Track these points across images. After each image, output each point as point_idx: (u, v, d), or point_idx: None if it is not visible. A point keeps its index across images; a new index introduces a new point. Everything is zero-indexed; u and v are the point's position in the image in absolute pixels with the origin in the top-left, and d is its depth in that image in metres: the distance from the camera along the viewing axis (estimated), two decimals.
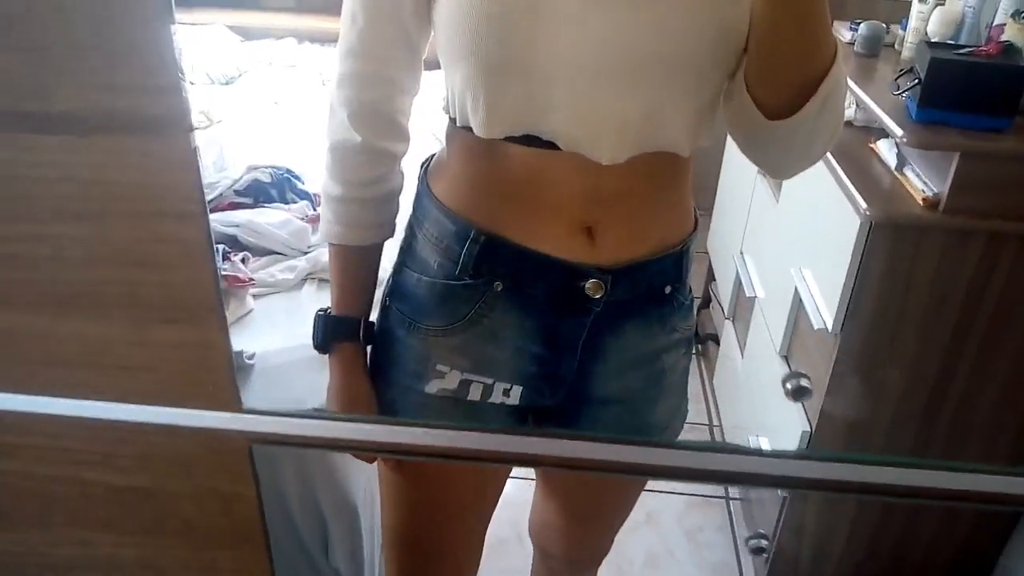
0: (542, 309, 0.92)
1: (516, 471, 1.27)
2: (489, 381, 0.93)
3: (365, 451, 0.54)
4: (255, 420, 0.55)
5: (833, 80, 0.79)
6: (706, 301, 2.64)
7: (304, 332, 1.60)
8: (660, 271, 0.94)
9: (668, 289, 0.96)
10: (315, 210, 1.99)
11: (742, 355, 2.14)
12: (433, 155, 0.98)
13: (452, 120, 0.89)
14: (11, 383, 0.55)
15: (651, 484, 2.17)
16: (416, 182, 0.98)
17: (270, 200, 1.94)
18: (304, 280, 1.73)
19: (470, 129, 0.85)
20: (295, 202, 1.97)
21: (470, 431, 0.52)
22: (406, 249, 0.98)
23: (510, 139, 0.84)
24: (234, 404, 0.54)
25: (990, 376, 1.51)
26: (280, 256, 1.76)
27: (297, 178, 2.04)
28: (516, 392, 0.94)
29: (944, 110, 1.39)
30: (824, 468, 0.60)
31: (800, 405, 1.64)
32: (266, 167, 1.97)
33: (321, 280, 1.73)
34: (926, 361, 1.52)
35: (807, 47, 0.77)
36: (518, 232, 0.88)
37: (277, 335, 1.57)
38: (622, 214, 0.88)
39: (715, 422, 2.44)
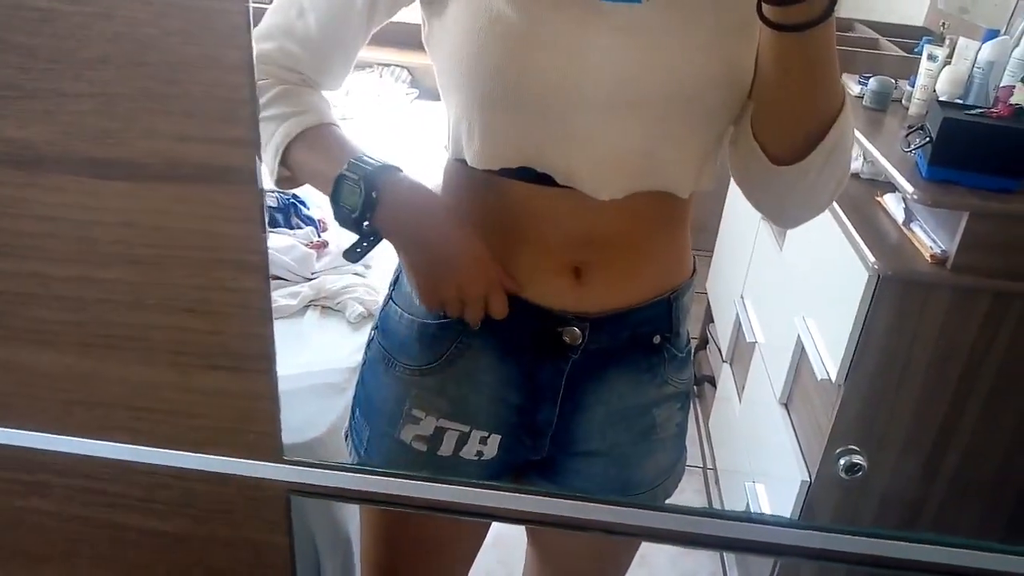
0: (518, 354, 0.89)
1: None
2: (465, 429, 0.90)
3: (404, 508, 0.52)
4: (297, 471, 0.54)
5: (840, 129, 0.77)
6: (703, 342, 2.64)
7: (307, 360, 1.62)
8: (648, 319, 0.90)
9: (657, 339, 0.92)
10: (320, 236, 1.99)
11: (740, 400, 2.14)
12: None
13: (449, 153, 0.87)
14: (52, 423, 0.55)
15: None
16: None
17: (275, 225, 1.94)
18: (307, 307, 1.72)
19: (465, 161, 0.83)
20: (300, 228, 1.97)
21: (500, 490, 0.52)
22: (394, 283, 0.95)
23: (505, 171, 0.81)
24: (276, 453, 0.53)
25: (992, 436, 1.52)
26: (283, 282, 1.76)
27: (303, 204, 2.04)
28: (494, 442, 0.90)
29: (954, 169, 1.42)
30: (817, 538, 0.59)
31: (800, 453, 1.64)
32: (272, 192, 1.97)
33: (324, 307, 1.72)
34: (928, 416, 1.52)
35: (815, 94, 0.76)
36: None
37: (279, 362, 1.57)
38: (613, 256, 0.85)
39: (710, 465, 2.44)
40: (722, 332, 2.39)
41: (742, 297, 2.20)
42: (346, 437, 1.02)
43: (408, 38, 1.00)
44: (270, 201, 2.00)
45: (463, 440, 0.89)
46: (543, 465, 0.96)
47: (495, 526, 1.25)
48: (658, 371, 0.94)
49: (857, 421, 1.53)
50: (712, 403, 2.45)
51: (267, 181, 0.78)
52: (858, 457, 0.94)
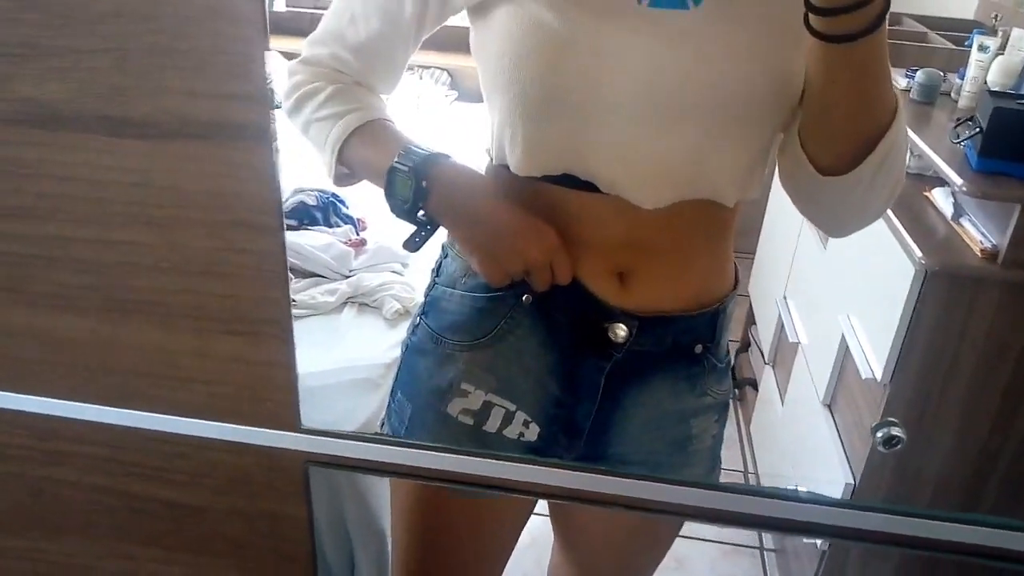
0: (565, 340, 0.88)
1: (544, 508, 1.23)
2: (512, 408, 0.89)
3: (423, 479, 0.51)
4: (314, 441, 0.53)
5: (891, 140, 0.74)
6: (745, 345, 2.60)
7: (343, 356, 1.62)
8: (691, 328, 0.89)
9: (699, 348, 0.90)
10: (358, 234, 1.99)
11: (782, 402, 2.10)
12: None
13: (490, 158, 0.87)
14: (71, 390, 0.55)
15: (683, 530, 2.12)
16: None
17: (315, 223, 1.95)
18: (344, 304, 1.72)
19: (507, 167, 0.82)
20: (339, 226, 1.98)
21: (537, 465, 0.50)
22: (437, 269, 0.95)
23: (547, 178, 0.81)
24: (293, 423, 0.52)
25: None
26: (322, 279, 1.77)
27: (342, 202, 2.05)
28: (534, 430, 0.90)
29: (1006, 160, 1.37)
30: (870, 519, 0.56)
31: (844, 456, 1.59)
32: (312, 190, 1.99)
33: (361, 304, 1.73)
34: (978, 415, 1.47)
35: (864, 105, 0.73)
36: None
37: (316, 357, 1.57)
38: (657, 263, 0.84)
39: (751, 469, 2.39)
40: (764, 334, 2.34)
41: (785, 298, 2.16)
42: (382, 425, 1.01)
43: (448, 40, 1.01)
44: (309, 200, 2.02)
45: (508, 419, 0.89)
46: (581, 460, 0.94)
47: (532, 526, 1.23)
48: (698, 381, 0.93)
49: (903, 421, 1.48)
50: (754, 406, 2.40)
51: (327, 179, 0.79)
52: (896, 430, 0.90)
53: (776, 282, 2.27)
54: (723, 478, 2.56)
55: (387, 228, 2.05)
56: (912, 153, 1.70)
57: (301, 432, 0.52)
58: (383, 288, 1.73)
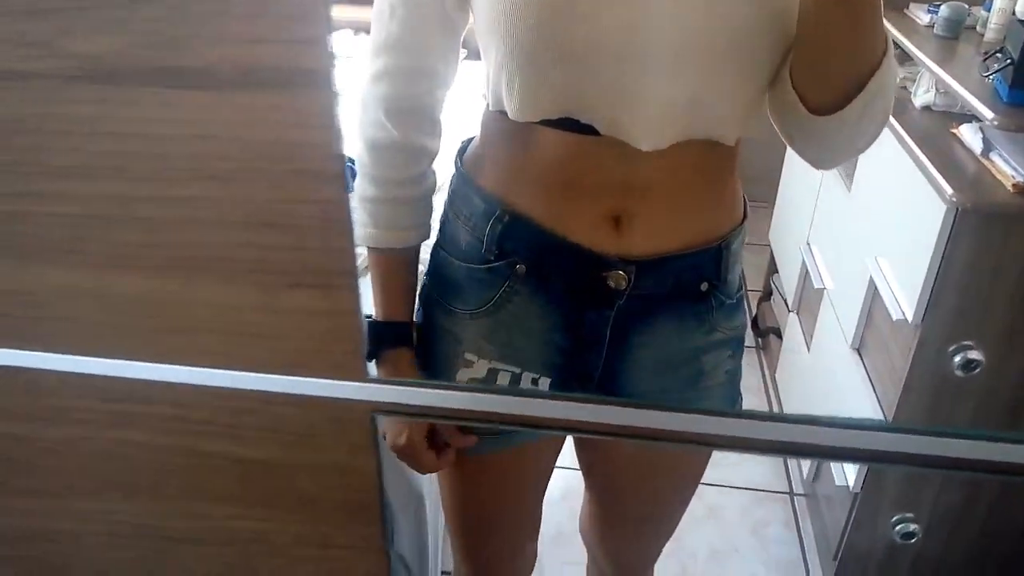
0: (564, 299, 0.89)
1: (576, 462, 1.26)
2: (516, 371, 0.91)
3: (485, 423, 0.52)
4: (380, 390, 0.53)
5: (880, 80, 0.75)
6: (767, 294, 2.59)
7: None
8: (694, 266, 0.89)
9: (704, 286, 0.91)
10: None
11: (808, 349, 2.10)
12: (470, 139, 0.96)
13: (487, 104, 0.87)
14: (137, 351, 0.55)
15: (713, 479, 2.14)
16: (452, 164, 0.95)
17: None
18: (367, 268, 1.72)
19: (505, 112, 0.82)
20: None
21: (599, 403, 0.50)
22: (441, 228, 0.96)
23: (546, 122, 0.81)
24: (360, 372, 0.52)
25: None
26: None
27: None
28: (544, 384, 0.91)
29: None
30: (910, 441, 0.54)
31: (875, 400, 1.59)
32: None
33: None
34: (1012, 355, 1.46)
35: (856, 42, 0.74)
36: (543, 215, 0.86)
37: None
38: (655, 205, 0.84)
39: (774, 401, 2.40)
40: (787, 281, 2.33)
41: (808, 243, 2.14)
42: None
43: None
44: None
45: (515, 380, 0.90)
46: (595, 390, 0.96)
47: (564, 481, 1.24)
48: (706, 318, 0.93)
49: (936, 362, 1.47)
50: (779, 355, 2.40)
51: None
52: (974, 352, 0.89)
53: (798, 229, 2.25)
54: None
55: None
56: (937, 90, 1.68)
57: (368, 382, 0.52)
58: None
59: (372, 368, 1.04)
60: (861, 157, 1.80)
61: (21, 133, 0.47)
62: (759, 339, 2.62)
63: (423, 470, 0.94)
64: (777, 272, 2.46)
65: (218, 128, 0.47)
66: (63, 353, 0.56)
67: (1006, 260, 1.39)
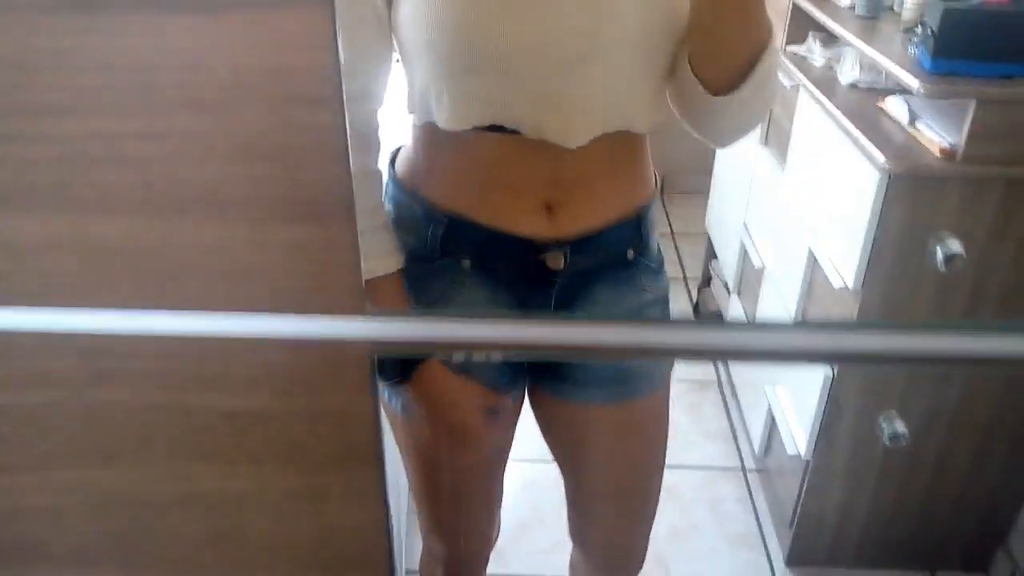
0: (508, 284, 0.97)
1: (536, 455, 1.28)
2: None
3: (492, 348, 0.53)
4: (380, 326, 0.53)
5: (769, 58, 0.85)
6: (707, 280, 2.66)
7: None
8: (619, 238, 0.98)
9: (631, 254, 1.00)
10: None
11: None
12: (399, 147, 1.01)
13: (414, 118, 0.93)
14: (116, 301, 0.53)
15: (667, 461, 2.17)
16: (385, 174, 0.99)
17: None
18: None
19: (433, 124, 0.88)
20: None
21: (601, 325, 0.50)
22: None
23: (476, 128, 0.87)
24: (359, 307, 0.52)
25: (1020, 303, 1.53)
26: None
27: None
28: (498, 353, 0.96)
29: (959, 60, 1.42)
30: (872, 339, 0.55)
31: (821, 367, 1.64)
32: None
33: None
34: (947, 311, 1.54)
35: (748, 29, 0.84)
36: (481, 213, 0.92)
37: None
38: (581, 192, 0.93)
39: (724, 380, 2.46)
40: (727, 266, 2.39)
41: (745, 225, 2.20)
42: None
43: None
44: None
45: (470, 354, 0.96)
46: (548, 365, 1.06)
47: (519, 471, 1.25)
48: (636, 281, 1.03)
49: (880, 314, 1.54)
50: None
51: None
52: (955, 244, 0.99)
53: (734, 213, 2.31)
54: (698, 392, 2.63)
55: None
56: (862, 67, 1.75)
57: (367, 317, 0.52)
58: None
59: None
60: (794, 135, 1.87)
61: None
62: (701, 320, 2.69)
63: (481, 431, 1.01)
64: (716, 258, 2.53)
65: (208, 54, 0.46)
66: (41, 308, 0.54)
67: (938, 221, 1.46)
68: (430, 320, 0.51)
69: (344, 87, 0.46)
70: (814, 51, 1.90)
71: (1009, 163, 1.42)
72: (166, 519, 0.63)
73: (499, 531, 1.29)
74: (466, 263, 0.95)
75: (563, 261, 0.94)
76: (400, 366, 0.92)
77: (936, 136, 1.48)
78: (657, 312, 1.06)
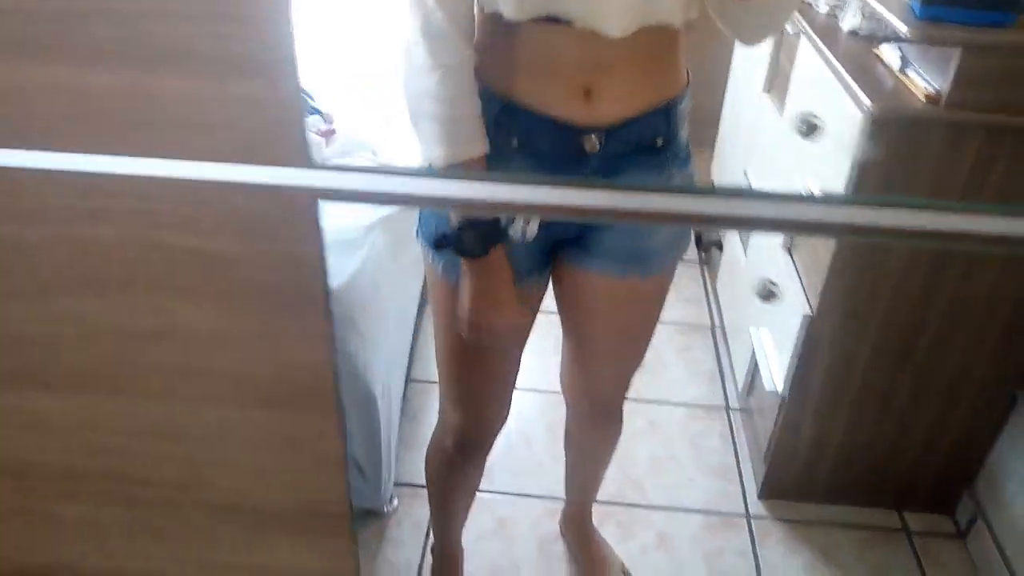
0: (549, 163, 1.08)
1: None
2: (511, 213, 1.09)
3: (428, 205, 0.60)
4: (324, 176, 0.61)
5: None
6: None
7: (326, 223, 1.68)
8: (650, 125, 1.09)
9: (660, 141, 1.11)
10: (328, 124, 2.05)
11: (745, 254, 2.22)
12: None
13: (481, 10, 1.03)
14: (104, 145, 0.61)
15: (653, 396, 2.26)
16: None
17: None
18: None
19: (497, 14, 0.99)
20: (306, 117, 2.02)
21: (533, 184, 0.58)
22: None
23: (532, 20, 0.98)
24: (305, 160, 0.60)
25: (987, 259, 1.58)
26: None
27: (310, 96, 2.11)
28: (534, 225, 1.11)
29: (947, 7, 1.45)
30: (874, 214, 0.61)
31: (803, 291, 1.71)
32: None
33: None
34: (923, 250, 1.59)
35: None
36: (529, 98, 1.05)
37: None
38: (618, 80, 1.03)
39: (717, 324, 2.53)
40: None
41: (745, 172, 2.26)
42: (417, 234, 1.21)
43: None
44: None
45: (510, 221, 1.10)
46: (575, 240, 1.20)
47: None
48: (664, 167, 1.14)
49: (856, 254, 1.59)
50: (719, 267, 2.54)
51: None
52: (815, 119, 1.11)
53: (736, 159, 2.36)
54: (690, 335, 2.71)
55: (355, 118, 2.10)
56: (863, 15, 1.78)
57: (312, 168, 0.60)
58: (359, 151, 1.79)
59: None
60: (792, 82, 1.91)
61: None
62: (702, 253, 2.77)
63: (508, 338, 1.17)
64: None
65: None
66: (42, 151, 0.62)
67: (919, 166, 1.51)
68: (371, 174, 0.59)
69: None
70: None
71: (991, 110, 1.46)
72: (146, 351, 0.72)
73: (509, 412, 1.41)
74: (514, 142, 1.07)
75: (598, 144, 1.05)
76: (482, 244, 1.06)
77: (923, 82, 1.52)
78: None
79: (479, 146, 1.05)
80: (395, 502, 1.93)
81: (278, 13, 0.56)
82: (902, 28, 1.45)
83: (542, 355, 2.22)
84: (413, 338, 2.19)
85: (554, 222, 1.14)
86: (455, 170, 1.03)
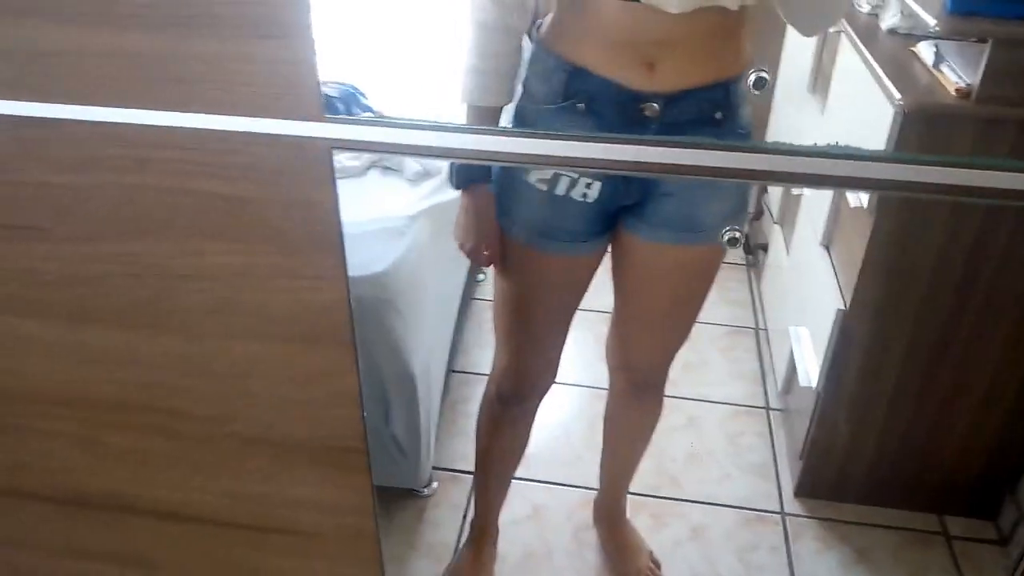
0: (612, 127, 1.15)
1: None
2: (574, 176, 1.21)
3: (437, 157, 0.67)
4: (337, 128, 0.69)
5: None
6: (759, 213, 2.76)
7: (371, 210, 1.78)
8: (709, 99, 1.16)
9: (719, 115, 1.17)
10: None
11: (788, 253, 2.24)
12: (543, 19, 1.23)
13: None
14: (147, 101, 0.70)
15: (693, 394, 2.28)
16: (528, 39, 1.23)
17: (336, 112, 2.10)
18: (369, 168, 1.89)
19: None
20: (358, 115, 2.13)
21: (544, 138, 0.64)
22: (524, 85, 1.24)
23: None
24: (319, 113, 0.68)
25: (1020, 257, 1.58)
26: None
27: (362, 95, 2.21)
28: (595, 187, 1.21)
29: (978, 0, 1.46)
30: (916, 171, 0.65)
31: (837, 286, 1.72)
32: (334, 83, 2.14)
33: (384, 167, 1.89)
34: (958, 240, 1.59)
35: None
36: (597, 65, 1.13)
37: (346, 211, 1.74)
38: (679, 54, 1.11)
39: (761, 326, 2.54)
40: (774, 198, 2.50)
41: None
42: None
43: None
44: (332, 92, 2.17)
45: (573, 183, 1.21)
46: (633, 208, 1.27)
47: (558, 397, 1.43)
48: (722, 140, 1.19)
49: (889, 248, 1.61)
50: (764, 269, 2.56)
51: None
52: (764, 72, 1.16)
53: None
54: (736, 335, 2.72)
55: (404, 114, 2.20)
56: (902, 13, 1.80)
57: (326, 121, 0.68)
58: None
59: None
60: (834, 79, 1.93)
61: None
62: (748, 256, 2.79)
63: (479, 263, 1.32)
64: (767, 192, 2.63)
65: None
66: (93, 106, 0.72)
67: (951, 155, 1.52)
68: (382, 127, 0.67)
69: None
70: None
71: (1022, 104, 1.46)
72: (181, 289, 0.81)
73: (556, 373, 1.50)
74: (581, 106, 1.15)
75: (659, 111, 1.13)
76: (464, 179, 1.21)
77: (956, 77, 1.54)
78: None
79: (487, 97, 1.18)
80: (435, 485, 1.99)
81: None
82: (931, 21, 1.47)
83: (584, 350, 2.26)
84: (457, 330, 2.26)
85: (615, 189, 1.22)
86: (475, 113, 1.18)
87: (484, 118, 1.22)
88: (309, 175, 0.72)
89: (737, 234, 1.25)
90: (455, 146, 0.67)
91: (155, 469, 0.94)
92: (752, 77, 1.14)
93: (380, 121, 0.65)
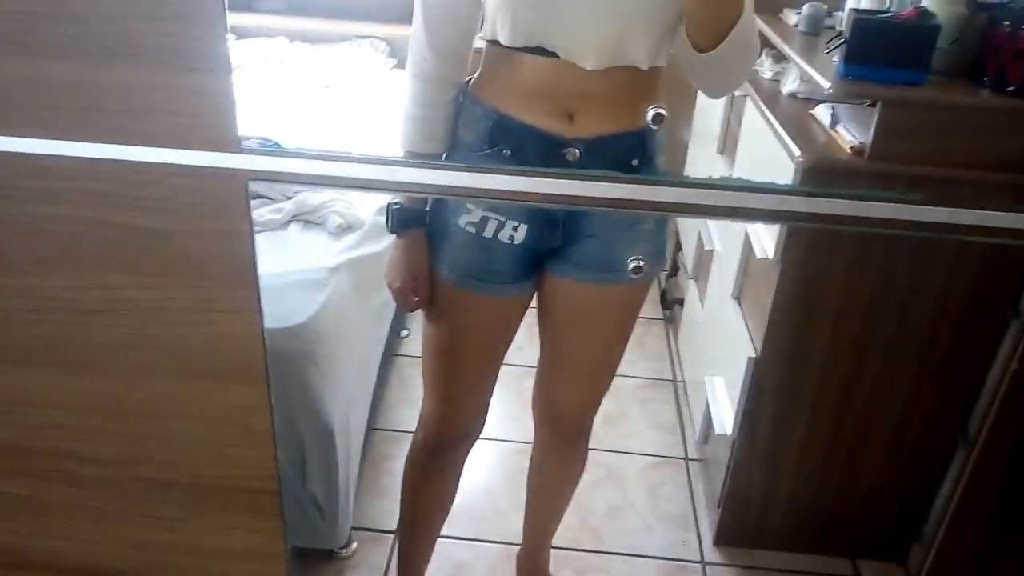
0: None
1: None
2: (502, 219, 1.26)
3: (349, 187, 0.68)
4: (254, 159, 0.69)
5: (742, 27, 1.10)
6: (674, 270, 2.84)
7: (292, 262, 1.76)
8: (625, 146, 1.24)
9: (635, 162, 1.25)
10: None
11: (702, 306, 2.30)
12: (473, 74, 1.31)
13: (484, 37, 1.22)
14: (62, 131, 0.69)
15: (614, 446, 2.30)
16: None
17: None
18: (289, 221, 1.88)
19: (497, 42, 1.18)
20: None
21: (459, 170, 0.66)
22: (455, 132, 1.30)
23: (525, 49, 1.17)
24: (236, 146, 0.68)
25: (921, 302, 1.66)
26: (267, 200, 1.91)
27: (278, 145, 2.21)
28: (522, 230, 1.26)
29: (867, 66, 1.58)
30: (820, 204, 0.69)
31: (748, 335, 1.78)
32: (256, 138, 2.13)
33: (306, 221, 1.88)
34: (858, 285, 1.67)
35: (721, 7, 1.10)
36: (521, 113, 1.21)
37: (266, 264, 1.71)
38: (596, 106, 1.20)
39: (679, 378, 2.59)
40: (688, 254, 2.58)
41: (700, 234, 2.36)
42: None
43: (386, 11, 1.22)
44: (252, 145, 2.16)
45: (500, 227, 1.26)
46: (559, 251, 1.32)
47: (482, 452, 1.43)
48: None
49: (793, 293, 1.68)
50: (680, 323, 2.62)
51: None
52: (661, 108, 1.24)
53: (696, 222, 2.47)
54: (655, 389, 2.76)
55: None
56: (801, 79, 1.92)
57: (243, 153, 0.68)
58: (326, 205, 1.88)
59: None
60: (740, 139, 2.04)
61: None
62: (666, 311, 2.86)
63: (405, 307, 1.35)
64: (681, 250, 2.71)
65: None
66: (6, 136, 0.71)
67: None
68: (297, 159, 0.67)
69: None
70: (764, 65, 2.07)
71: (912, 162, 1.57)
72: (90, 325, 0.78)
73: (484, 421, 1.51)
74: (506, 152, 1.22)
75: (579, 156, 1.21)
76: (401, 224, 1.25)
77: (849, 136, 1.64)
78: (651, 219, 1.32)
79: (439, 144, 1.26)
80: (354, 545, 1.94)
81: (214, 14, 0.65)
82: (826, 85, 1.58)
83: (505, 404, 2.26)
84: (379, 386, 2.24)
85: (541, 232, 1.28)
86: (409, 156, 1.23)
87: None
88: (226, 206, 0.72)
89: (641, 263, 1.30)
90: (372, 177, 0.69)
91: (55, 519, 0.89)
92: (651, 113, 1.21)
93: (297, 152, 0.66)
